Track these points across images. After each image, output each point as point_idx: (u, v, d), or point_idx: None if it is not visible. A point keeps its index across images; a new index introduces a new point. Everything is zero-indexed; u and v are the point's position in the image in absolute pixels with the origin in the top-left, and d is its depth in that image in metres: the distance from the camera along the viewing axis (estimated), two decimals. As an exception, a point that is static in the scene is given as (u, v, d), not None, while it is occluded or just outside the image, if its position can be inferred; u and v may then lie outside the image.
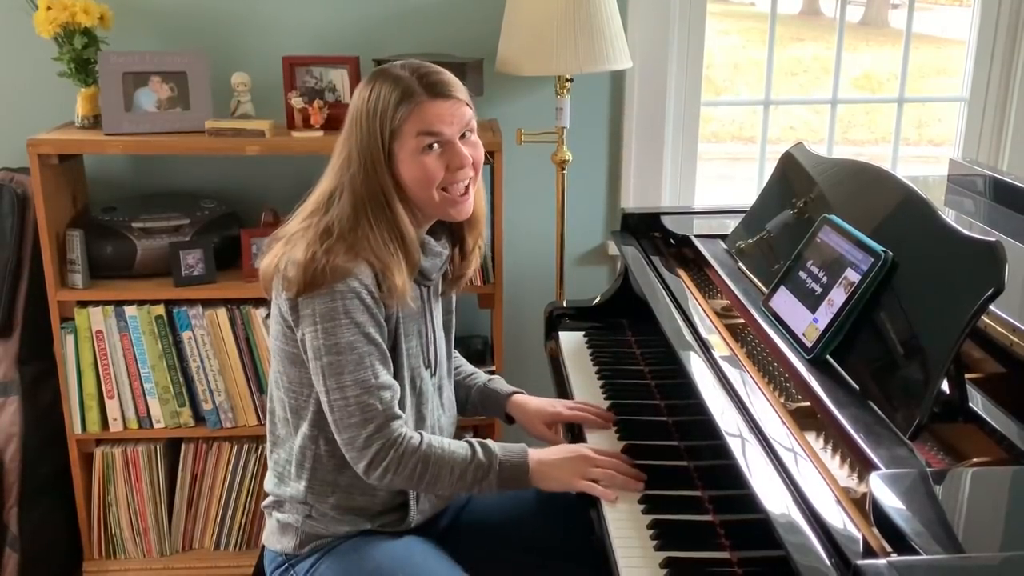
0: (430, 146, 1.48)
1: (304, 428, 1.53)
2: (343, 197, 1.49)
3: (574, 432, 1.71)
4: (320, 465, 1.54)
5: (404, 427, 1.48)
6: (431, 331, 1.61)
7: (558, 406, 1.74)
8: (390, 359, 1.50)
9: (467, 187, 1.54)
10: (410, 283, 1.50)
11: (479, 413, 1.83)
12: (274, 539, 1.59)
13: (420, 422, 1.59)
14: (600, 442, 1.63)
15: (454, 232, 1.64)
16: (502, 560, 1.65)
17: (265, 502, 1.63)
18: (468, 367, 1.85)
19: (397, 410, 1.47)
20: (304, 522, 1.55)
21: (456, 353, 1.85)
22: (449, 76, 1.53)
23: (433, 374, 1.63)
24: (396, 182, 1.49)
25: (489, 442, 1.52)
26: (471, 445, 1.50)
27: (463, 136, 1.52)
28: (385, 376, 1.47)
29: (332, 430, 1.47)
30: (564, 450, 1.56)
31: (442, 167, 1.50)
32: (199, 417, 2.38)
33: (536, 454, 1.52)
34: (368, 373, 1.44)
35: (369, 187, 1.48)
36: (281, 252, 1.48)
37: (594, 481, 1.50)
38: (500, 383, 1.81)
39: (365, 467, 1.46)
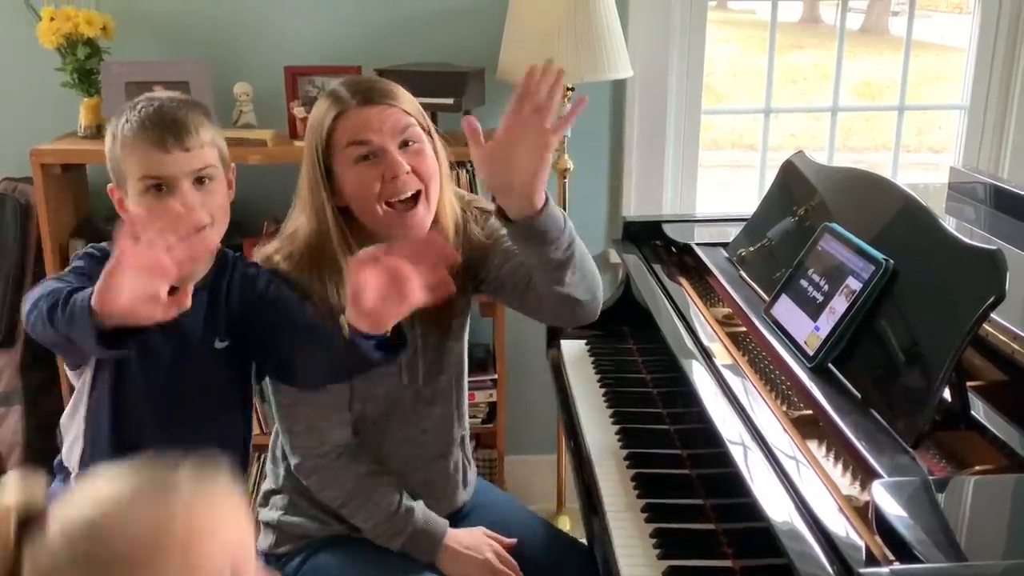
0: (364, 157, 1.41)
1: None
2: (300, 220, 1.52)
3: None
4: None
5: (341, 455, 1.52)
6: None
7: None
8: None
9: (414, 199, 1.45)
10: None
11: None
12: (260, 539, 1.62)
13: (383, 430, 1.58)
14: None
15: None
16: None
17: (259, 499, 1.66)
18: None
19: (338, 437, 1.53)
20: (280, 519, 1.58)
21: None
22: (386, 85, 1.46)
23: (411, 382, 1.59)
24: (342, 206, 1.46)
25: (417, 505, 1.52)
26: (398, 504, 1.51)
27: (405, 145, 1.44)
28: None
29: None
30: (479, 542, 1.53)
31: (376, 178, 1.41)
32: (201, 426, 2.38)
33: (454, 537, 1.51)
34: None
35: (313, 215, 1.47)
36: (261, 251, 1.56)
37: None
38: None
39: (296, 466, 1.53)
